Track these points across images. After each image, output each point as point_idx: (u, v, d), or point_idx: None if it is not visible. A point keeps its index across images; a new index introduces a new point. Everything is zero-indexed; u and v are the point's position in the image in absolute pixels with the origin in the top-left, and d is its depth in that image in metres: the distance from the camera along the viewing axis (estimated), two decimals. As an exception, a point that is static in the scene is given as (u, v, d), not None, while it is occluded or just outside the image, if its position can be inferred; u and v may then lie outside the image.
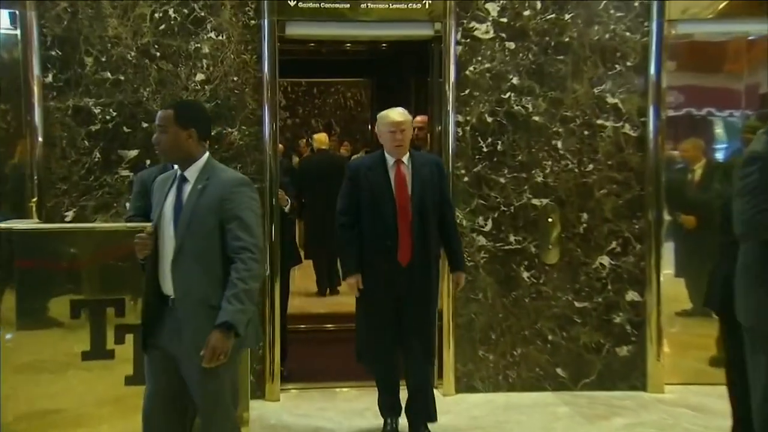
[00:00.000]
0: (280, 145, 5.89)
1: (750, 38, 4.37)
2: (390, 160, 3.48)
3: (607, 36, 4.26)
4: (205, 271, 2.34)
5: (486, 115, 4.25)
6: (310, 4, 4.09)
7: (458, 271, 3.62)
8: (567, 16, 4.24)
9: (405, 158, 3.48)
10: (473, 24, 4.19)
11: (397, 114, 3.47)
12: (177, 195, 2.44)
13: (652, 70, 4.22)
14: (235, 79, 4.09)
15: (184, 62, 4.06)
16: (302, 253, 5.53)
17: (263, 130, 4.07)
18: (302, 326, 5.49)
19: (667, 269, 4.34)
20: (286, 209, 4.34)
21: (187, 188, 2.43)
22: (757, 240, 2.56)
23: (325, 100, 11.10)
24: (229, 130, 4.10)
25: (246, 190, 2.42)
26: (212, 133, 3.97)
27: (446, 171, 3.73)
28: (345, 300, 6.26)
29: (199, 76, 4.08)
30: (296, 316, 5.33)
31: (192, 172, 2.46)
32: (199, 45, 4.07)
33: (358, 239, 3.49)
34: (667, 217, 4.33)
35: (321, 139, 6.72)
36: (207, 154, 2.50)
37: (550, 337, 4.31)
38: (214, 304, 2.32)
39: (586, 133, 4.29)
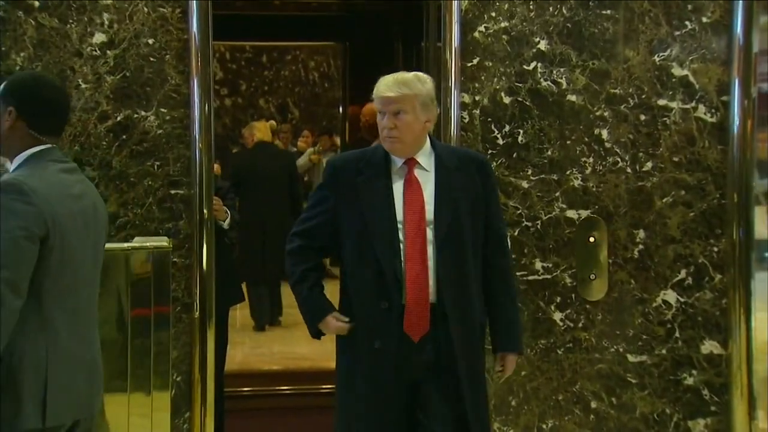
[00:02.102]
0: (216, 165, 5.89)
1: None
2: (397, 159, 3.04)
3: None
4: None
5: (502, 94, 4.26)
6: (257, -63, 4.08)
7: (509, 352, 3.13)
8: (616, -46, 4.26)
9: (422, 157, 3.04)
10: (485, -34, 4.20)
11: (386, 85, 2.99)
12: None
13: (738, 27, 4.24)
14: (151, 41, 4.03)
15: (76, 16, 3.97)
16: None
17: (191, 114, 4.04)
18: (245, 389, 5.54)
19: (762, 310, 4.31)
20: (225, 224, 4.40)
21: None
22: None
23: (278, 72, 11.16)
24: (143, 113, 4.04)
25: None
26: (118, 118, 3.95)
27: (495, 177, 3.27)
28: (305, 351, 6.73)
29: (99, 37, 3.99)
30: (237, 374, 5.41)
31: None
32: (97, -8, 3.99)
33: (321, 284, 3.08)
34: (762, 236, 4.33)
35: (262, 128, 7.06)
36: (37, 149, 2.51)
37: (593, 405, 4.29)
38: None
39: (642, 118, 4.30)
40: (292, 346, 6.83)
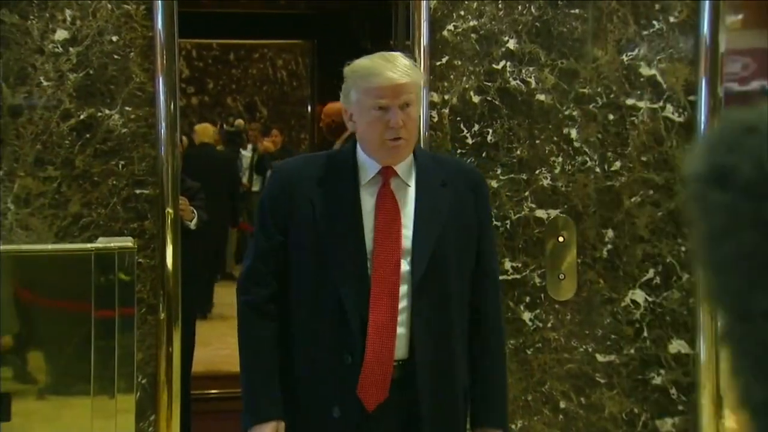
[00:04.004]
0: (184, 137, 5.90)
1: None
2: (369, 167, 2.43)
3: None
4: None
5: (472, 93, 4.24)
6: (223, -67, 4.04)
7: (490, 427, 2.53)
8: (585, -46, 4.27)
9: (402, 166, 2.44)
10: (454, -35, 4.18)
11: (393, 67, 2.36)
12: None
13: (705, 27, 4.24)
14: (115, 39, 3.97)
15: (37, 13, 3.90)
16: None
17: (156, 113, 3.99)
18: (213, 391, 5.57)
19: None
20: (192, 225, 4.44)
21: None
22: None
23: (245, 71, 11.11)
24: (107, 112, 3.97)
25: None
26: (81, 116, 3.90)
27: (487, 192, 2.68)
28: None
29: (61, 34, 3.93)
30: (204, 376, 5.46)
31: None
32: (59, -12, 3.92)
33: (278, 345, 2.46)
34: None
35: (202, 130, 7.47)
36: None
37: (562, 405, 4.28)
38: None
39: (611, 117, 4.30)
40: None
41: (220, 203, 7.25)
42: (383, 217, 2.39)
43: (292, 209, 2.43)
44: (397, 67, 2.36)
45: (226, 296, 8.85)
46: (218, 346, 6.82)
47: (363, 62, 2.43)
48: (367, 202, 2.41)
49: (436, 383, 2.39)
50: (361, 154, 2.45)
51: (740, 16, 4.39)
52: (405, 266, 2.38)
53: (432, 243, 2.39)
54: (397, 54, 2.49)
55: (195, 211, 4.45)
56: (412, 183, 2.46)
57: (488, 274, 2.56)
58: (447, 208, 2.44)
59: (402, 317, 2.37)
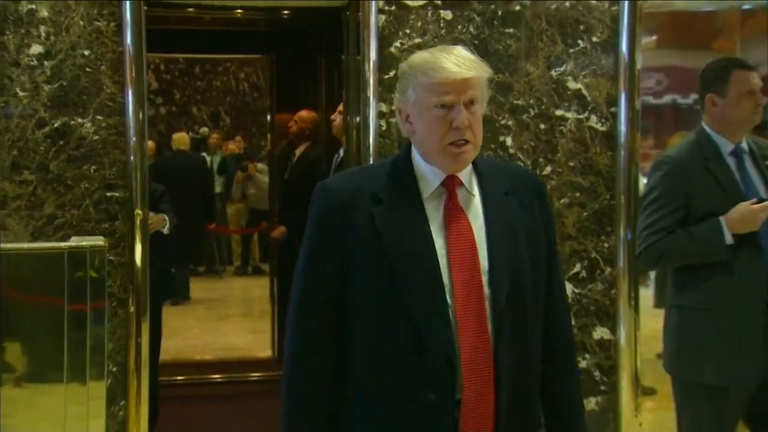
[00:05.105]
0: (151, 142, 5.85)
1: (744, 8, 4.46)
2: (430, 177, 1.94)
3: (567, 4, 4.30)
4: None
5: None
6: (187, -44, 4.00)
7: None
8: (517, -21, 4.28)
9: (463, 174, 1.96)
10: (400, -13, 4.18)
11: (457, 59, 1.91)
12: None
13: (624, 47, 4.28)
14: (87, 53, 3.93)
15: (13, 28, 3.84)
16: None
17: (126, 122, 3.95)
18: (179, 378, 5.49)
19: (646, 299, 4.37)
20: (166, 230, 4.43)
21: None
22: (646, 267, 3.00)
23: (210, 83, 11.00)
24: (80, 120, 3.93)
25: None
26: (56, 124, 3.84)
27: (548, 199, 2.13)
28: (235, 341, 6.66)
29: (36, 48, 3.87)
30: (172, 364, 5.38)
31: None
32: (34, 6, 3.86)
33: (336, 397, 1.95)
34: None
35: (182, 139, 7.86)
36: None
37: None
38: None
39: (542, 126, 4.32)
40: (224, 337, 6.75)
41: (194, 201, 7.54)
42: (456, 236, 1.90)
43: (350, 232, 1.90)
44: (461, 60, 1.91)
45: (199, 291, 8.82)
46: (187, 336, 6.75)
47: (423, 56, 1.95)
48: (434, 218, 1.91)
49: (521, 422, 1.92)
50: (419, 162, 1.95)
51: (655, 37, 4.42)
52: (484, 290, 1.88)
53: (510, 262, 1.90)
54: (459, 47, 1.99)
55: (166, 217, 4.42)
56: (476, 192, 1.96)
57: (560, 290, 2.07)
58: (516, 220, 1.96)
59: (492, 350, 1.87)
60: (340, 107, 5.10)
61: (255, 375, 5.74)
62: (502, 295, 1.87)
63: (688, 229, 2.97)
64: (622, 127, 4.29)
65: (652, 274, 4.48)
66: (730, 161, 3.01)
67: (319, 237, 1.94)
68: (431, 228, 1.89)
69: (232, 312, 8.32)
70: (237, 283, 9.89)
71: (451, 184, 1.93)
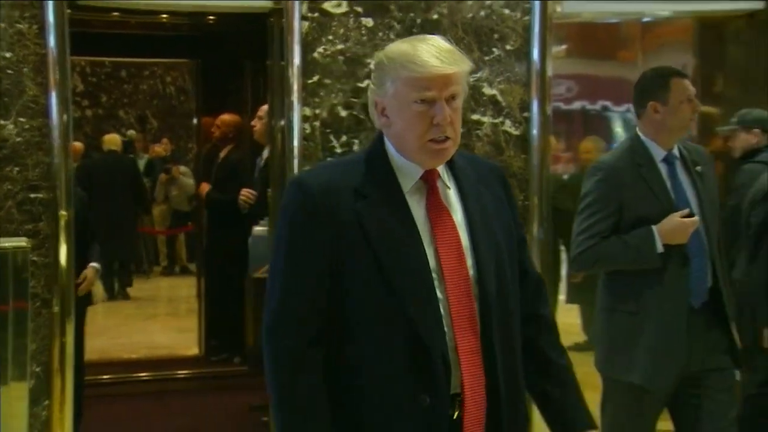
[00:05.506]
0: (77, 144, 5.73)
1: (644, 20, 4.54)
2: (409, 172, 1.84)
3: (482, 13, 4.34)
4: None
5: (340, 108, 4.23)
6: (110, -40, 3.93)
7: (587, 429, 1.94)
8: (435, -11, 4.31)
9: (441, 168, 1.87)
10: (322, -6, 4.19)
11: (440, 53, 1.79)
12: None
13: (535, 55, 4.33)
14: (8, 55, 3.82)
15: None
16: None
17: (50, 123, 3.86)
18: (105, 377, 5.42)
19: (558, 294, 4.43)
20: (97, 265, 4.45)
21: None
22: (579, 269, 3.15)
23: (137, 86, 10.84)
24: (2, 122, 3.82)
25: None
26: None
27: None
28: (162, 339, 6.60)
29: None
30: (98, 363, 5.30)
31: None
32: (-46, 8, 3.76)
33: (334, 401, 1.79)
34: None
35: (113, 140, 7.94)
36: None
37: None
38: None
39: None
40: (150, 336, 6.67)
41: (125, 198, 7.74)
42: (440, 229, 1.80)
43: (335, 229, 1.77)
44: (443, 54, 1.78)
45: (133, 290, 8.68)
46: (114, 335, 6.64)
47: (402, 47, 1.81)
48: (417, 212, 1.80)
49: (513, 414, 1.84)
50: (396, 157, 1.83)
51: (564, 47, 4.49)
52: (472, 285, 1.80)
53: (494, 255, 1.82)
54: (436, 37, 1.86)
55: (96, 265, 4.40)
56: (452, 184, 1.87)
57: (532, 271, 2.02)
58: (491, 211, 1.88)
59: (483, 347, 1.80)
60: (260, 112, 5.10)
61: (182, 372, 5.71)
62: (491, 288, 1.80)
63: (622, 237, 2.99)
64: (535, 131, 4.33)
65: (563, 273, 4.55)
66: (662, 168, 3.04)
67: (302, 236, 1.79)
68: (414, 218, 1.79)
69: (159, 311, 8.24)
70: (164, 283, 9.85)
71: (431, 178, 1.83)
